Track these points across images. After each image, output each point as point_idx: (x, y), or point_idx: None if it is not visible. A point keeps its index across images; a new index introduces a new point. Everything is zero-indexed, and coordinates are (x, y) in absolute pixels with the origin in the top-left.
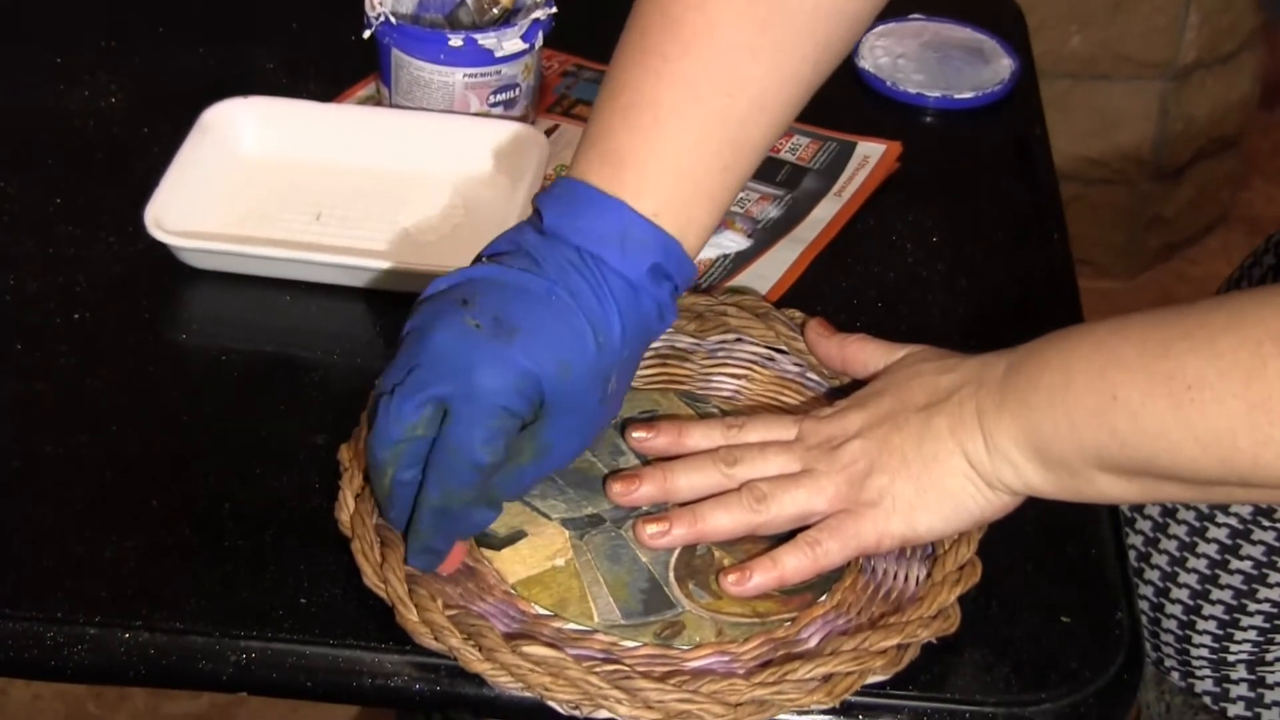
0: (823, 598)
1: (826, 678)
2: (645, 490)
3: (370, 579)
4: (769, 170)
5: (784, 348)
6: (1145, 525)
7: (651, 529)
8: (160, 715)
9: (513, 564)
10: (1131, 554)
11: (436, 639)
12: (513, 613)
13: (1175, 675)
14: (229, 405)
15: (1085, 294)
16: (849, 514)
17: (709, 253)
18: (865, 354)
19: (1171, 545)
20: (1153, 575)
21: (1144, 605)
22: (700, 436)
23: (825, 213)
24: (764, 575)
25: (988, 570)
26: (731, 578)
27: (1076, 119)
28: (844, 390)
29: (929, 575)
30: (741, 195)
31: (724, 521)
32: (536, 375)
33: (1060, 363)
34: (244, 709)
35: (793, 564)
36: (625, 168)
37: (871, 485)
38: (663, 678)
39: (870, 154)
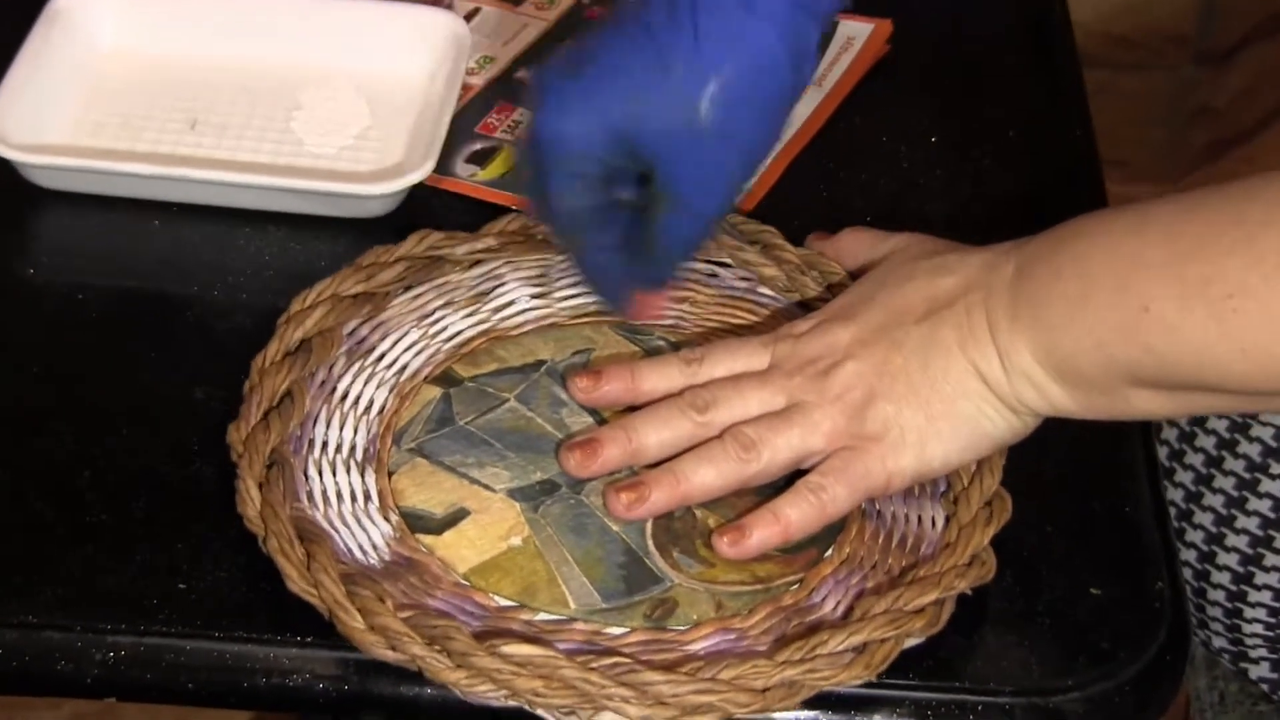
0: (829, 552)
1: (861, 648)
2: (608, 456)
3: (297, 584)
4: None
5: (728, 260)
6: (1186, 477)
7: (625, 498)
8: None
9: (459, 549)
10: (1171, 510)
11: (394, 648)
12: (470, 608)
13: (1226, 658)
14: (88, 352)
15: (1116, 202)
16: (852, 451)
17: None
18: (856, 244)
19: (1217, 500)
20: (1195, 536)
21: (1186, 573)
22: (657, 378)
23: (802, 108)
24: (764, 532)
25: (1001, 535)
26: (726, 539)
27: None
28: (806, 305)
29: (951, 518)
30: None
31: (710, 478)
32: (601, 120)
33: (1076, 269)
34: (116, 718)
35: (797, 516)
36: None
37: (874, 415)
38: (670, 667)
39: (855, 35)
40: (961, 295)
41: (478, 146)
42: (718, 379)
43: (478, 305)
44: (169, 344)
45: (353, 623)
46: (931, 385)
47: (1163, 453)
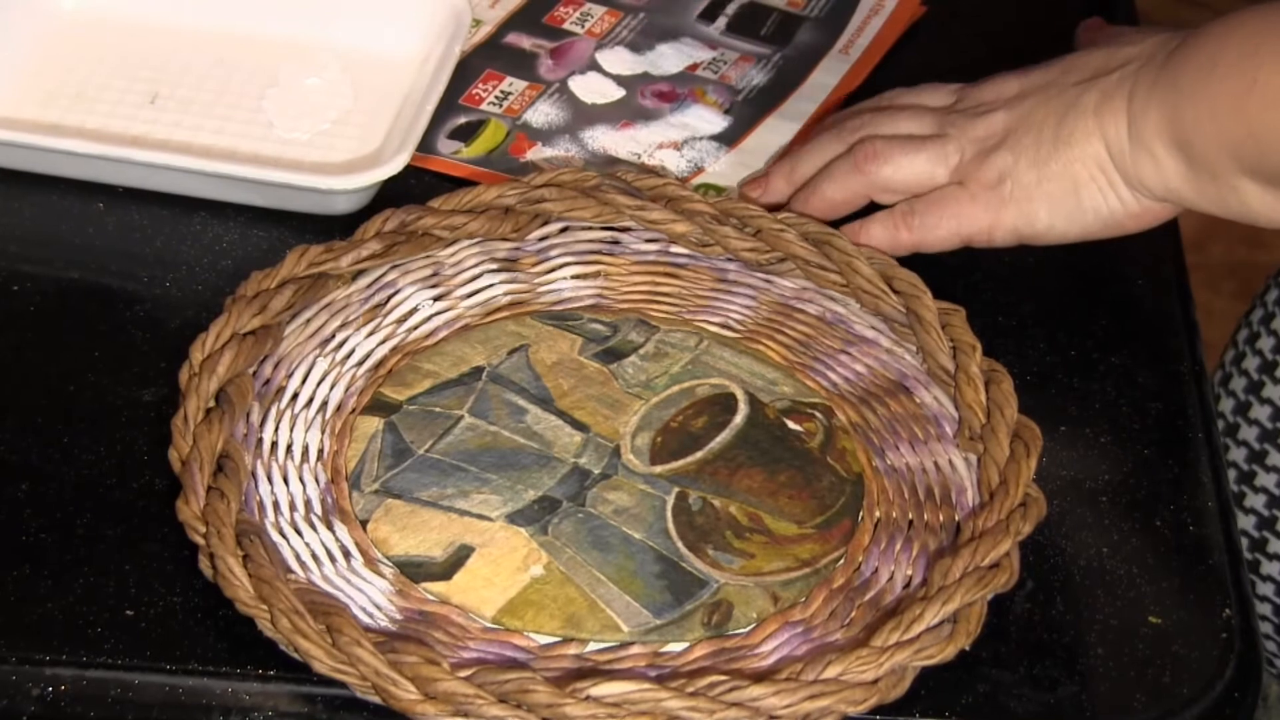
0: (860, 518)
1: (954, 618)
2: (774, 185)
3: (325, 665)
4: (750, 20)
5: (630, 224)
6: (1270, 480)
7: (753, 190)
8: None
9: (477, 591)
10: (1249, 520)
11: (464, 714)
12: (511, 652)
13: None
14: (23, 350)
15: None
16: (963, 191)
17: (674, 135)
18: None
19: None
20: (1277, 549)
21: (1268, 589)
22: (818, 156)
23: (828, 77)
24: (849, 233)
25: (1048, 554)
26: (860, 230)
27: None
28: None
29: (983, 457)
30: (714, 55)
31: (831, 190)
32: None
33: (1218, 42)
34: None
35: (878, 233)
36: None
37: (994, 163)
38: (763, 676)
39: None
40: (1128, 62)
41: (462, 120)
42: (900, 104)
43: (377, 319)
44: (116, 342)
45: (406, 695)
46: (1055, 144)
47: (1232, 475)
